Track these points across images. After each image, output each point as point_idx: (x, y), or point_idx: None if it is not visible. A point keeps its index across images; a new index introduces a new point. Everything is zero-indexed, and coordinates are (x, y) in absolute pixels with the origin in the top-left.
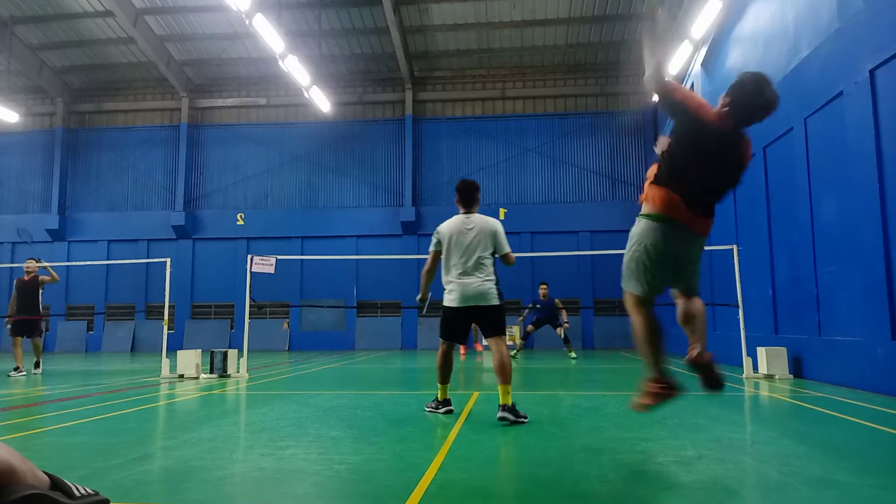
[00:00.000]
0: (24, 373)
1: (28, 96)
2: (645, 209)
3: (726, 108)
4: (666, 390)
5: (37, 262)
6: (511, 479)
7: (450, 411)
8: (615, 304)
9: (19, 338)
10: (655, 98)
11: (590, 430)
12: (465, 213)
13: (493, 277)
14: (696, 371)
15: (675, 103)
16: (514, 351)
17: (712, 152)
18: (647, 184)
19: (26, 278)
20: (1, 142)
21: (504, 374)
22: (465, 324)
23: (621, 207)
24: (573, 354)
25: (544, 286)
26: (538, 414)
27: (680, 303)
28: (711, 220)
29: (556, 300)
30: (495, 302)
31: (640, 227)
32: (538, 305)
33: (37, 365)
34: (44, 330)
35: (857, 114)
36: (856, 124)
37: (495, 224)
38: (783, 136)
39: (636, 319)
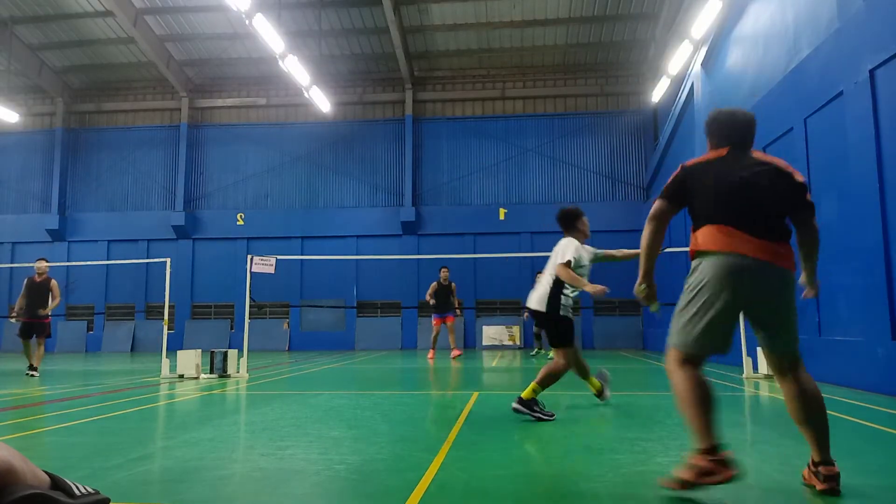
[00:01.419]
0: (38, 374)
1: (28, 96)
2: (699, 254)
3: (711, 141)
4: (716, 468)
5: (47, 263)
6: (511, 479)
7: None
8: (615, 304)
9: (26, 339)
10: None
11: (590, 430)
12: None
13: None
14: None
15: (672, 199)
16: (534, 350)
17: (724, 180)
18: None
19: (37, 279)
20: (1, 142)
21: (542, 378)
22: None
23: (621, 207)
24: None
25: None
26: None
27: (786, 385)
28: (787, 246)
29: None
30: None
31: (697, 272)
32: None
33: (34, 368)
34: (51, 333)
35: (857, 114)
36: (856, 124)
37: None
38: (783, 136)
39: (679, 380)
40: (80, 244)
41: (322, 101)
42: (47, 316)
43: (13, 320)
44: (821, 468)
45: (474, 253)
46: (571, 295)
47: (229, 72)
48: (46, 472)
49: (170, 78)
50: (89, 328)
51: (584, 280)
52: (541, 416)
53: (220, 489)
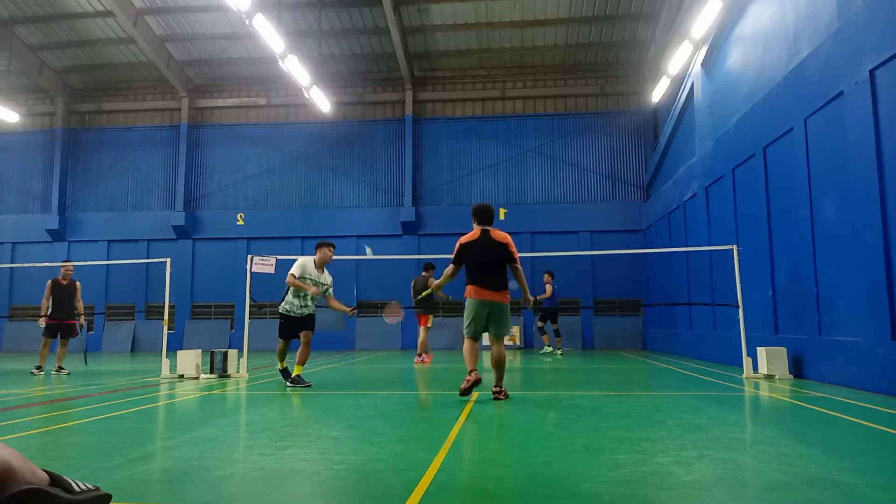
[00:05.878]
0: (44, 373)
1: (28, 96)
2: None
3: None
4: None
5: (72, 264)
6: (511, 479)
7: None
8: (615, 304)
9: (50, 339)
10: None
11: (590, 430)
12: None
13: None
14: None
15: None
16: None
17: (477, 253)
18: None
19: (64, 282)
20: (1, 142)
21: (300, 358)
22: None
23: (621, 207)
24: (555, 351)
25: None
26: (538, 414)
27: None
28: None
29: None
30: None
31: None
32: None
33: (59, 368)
34: (79, 331)
35: (857, 114)
36: (856, 124)
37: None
38: (783, 136)
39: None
40: (80, 244)
41: (322, 101)
42: (73, 318)
43: (42, 323)
44: (493, 388)
45: None
46: (294, 299)
47: (229, 72)
48: (46, 471)
49: (170, 78)
50: (89, 328)
51: (310, 287)
52: (303, 383)
53: (220, 489)
